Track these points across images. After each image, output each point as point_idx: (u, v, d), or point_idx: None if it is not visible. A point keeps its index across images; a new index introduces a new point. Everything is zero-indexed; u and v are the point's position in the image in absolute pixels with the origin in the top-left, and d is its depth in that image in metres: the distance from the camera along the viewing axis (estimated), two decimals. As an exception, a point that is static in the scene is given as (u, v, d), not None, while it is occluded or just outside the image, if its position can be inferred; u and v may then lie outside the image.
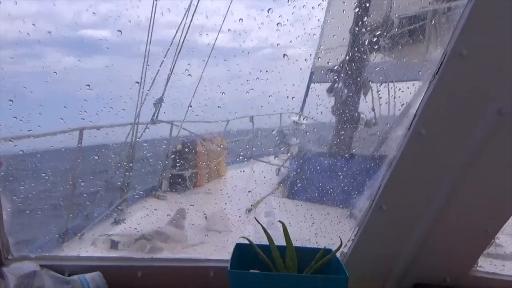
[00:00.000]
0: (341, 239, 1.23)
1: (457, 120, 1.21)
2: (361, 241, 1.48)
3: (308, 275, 1.14)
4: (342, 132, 4.33)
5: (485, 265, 1.62)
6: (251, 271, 1.14)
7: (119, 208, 3.98)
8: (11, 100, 1.28)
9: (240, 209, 3.67)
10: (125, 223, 3.69)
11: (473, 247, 1.49)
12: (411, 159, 1.30)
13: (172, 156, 5.06)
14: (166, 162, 4.98)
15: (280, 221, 1.25)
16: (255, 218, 1.31)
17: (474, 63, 1.11)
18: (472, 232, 1.44)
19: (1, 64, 1.18)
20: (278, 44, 1.62)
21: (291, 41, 1.64)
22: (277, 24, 1.50)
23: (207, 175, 5.21)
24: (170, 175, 5.00)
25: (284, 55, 1.63)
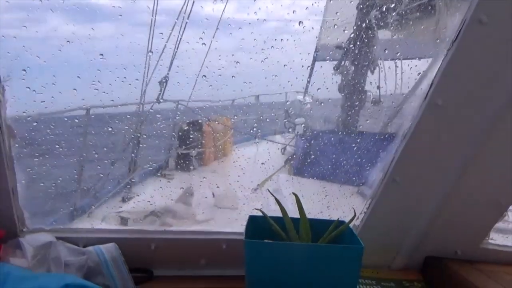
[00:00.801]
0: (354, 210, 1.24)
1: (475, 89, 1.19)
2: (374, 214, 1.48)
3: (324, 244, 1.15)
4: (349, 110, 4.30)
5: (497, 238, 1.62)
6: (266, 241, 1.15)
7: (128, 185, 4.01)
8: (24, 70, 1.27)
9: (248, 186, 3.69)
10: (134, 200, 3.72)
11: (486, 219, 1.49)
12: (426, 130, 1.29)
13: (179, 135, 5.07)
14: (172, 141, 4.99)
15: (293, 193, 1.25)
16: (268, 190, 1.32)
17: (494, 29, 1.08)
18: (485, 204, 1.44)
19: (12, 33, 1.17)
20: (294, 11, 1.58)
21: (307, 7, 1.61)
22: (293, -7, 1.47)
23: (214, 153, 5.22)
24: (176, 154, 5.02)
25: (299, 22, 1.60)
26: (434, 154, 1.34)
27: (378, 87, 4.16)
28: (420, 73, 1.33)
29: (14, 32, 1.22)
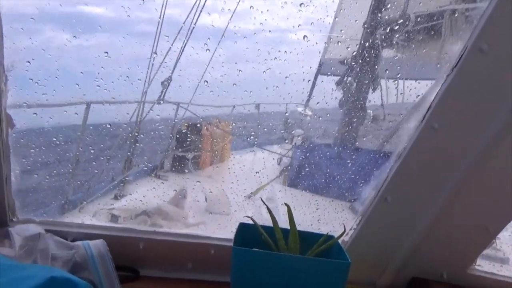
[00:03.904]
0: (344, 226, 1.24)
1: (471, 116, 1.20)
2: (363, 231, 1.49)
3: (311, 257, 1.15)
4: (348, 126, 4.32)
5: (484, 265, 1.63)
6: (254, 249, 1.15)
7: (122, 183, 4.01)
8: (28, 62, 1.27)
9: (241, 193, 3.69)
10: (126, 198, 3.72)
11: (474, 245, 1.50)
12: (420, 152, 1.30)
13: (176, 137, 5.07)
14: (170, 142, 5.00)
15: (285, 204, 1.26)
16: (261, 199, 1.32)
17: (494, 59, 1.10)
18: (473, 230, 1.45)
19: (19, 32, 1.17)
20: (299, 25, 1.60)
21: (312, 23, 1.63)
22: (300, 5, 1.48)
23: (210, 158, 5.23)
24: (173, 156, 5.02)
25: (304, 36, 1.62)
26: (426, 177, 1.35)
27: (382, 105, 4.18)
28: (418, 95, 1.35)
29: (22, 24, 1.23)
